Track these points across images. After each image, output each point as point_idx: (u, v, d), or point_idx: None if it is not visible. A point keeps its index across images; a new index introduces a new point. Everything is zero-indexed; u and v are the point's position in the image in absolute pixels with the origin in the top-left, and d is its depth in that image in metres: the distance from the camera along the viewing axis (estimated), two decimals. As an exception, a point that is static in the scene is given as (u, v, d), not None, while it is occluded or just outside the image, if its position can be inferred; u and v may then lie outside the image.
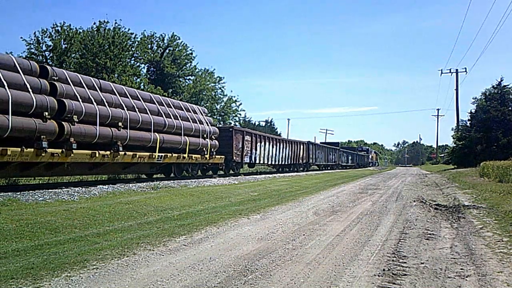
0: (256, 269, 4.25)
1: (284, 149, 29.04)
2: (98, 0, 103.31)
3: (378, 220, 7.65)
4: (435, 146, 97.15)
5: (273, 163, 27.65)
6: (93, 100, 11.85)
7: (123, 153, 12.61)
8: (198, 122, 17.45)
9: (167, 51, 45.20)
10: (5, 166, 9.86)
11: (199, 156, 17.28)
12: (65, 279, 3.88)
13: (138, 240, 5.62)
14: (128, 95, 13.79)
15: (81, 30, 35.15)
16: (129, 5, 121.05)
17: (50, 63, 33.84)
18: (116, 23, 35.89)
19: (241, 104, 56.80)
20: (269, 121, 72.00)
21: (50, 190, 9.83)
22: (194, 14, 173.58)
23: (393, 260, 4.61)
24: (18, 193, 9.00)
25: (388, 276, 4.01)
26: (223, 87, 50.49)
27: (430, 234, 6.24)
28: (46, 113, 10.09)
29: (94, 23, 35.59)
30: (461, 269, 4.27)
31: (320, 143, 47.28)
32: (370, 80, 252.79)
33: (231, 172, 21.79)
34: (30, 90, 9.85)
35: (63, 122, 10.67)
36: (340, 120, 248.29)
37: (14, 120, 9.25)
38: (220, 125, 21.61)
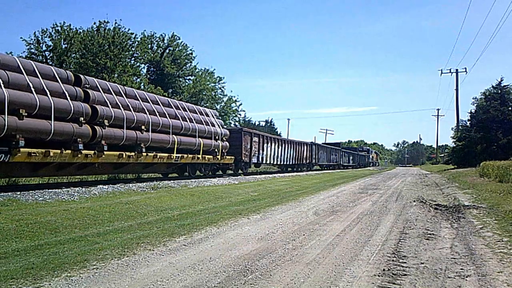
0: (256, 269, 4.25)
1: (289, 150, 30.01)
2: (98, 0, 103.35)
3: (378, 220, 7.65)
4: (435, 146, 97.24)
5: (278, 163, 28.62)
6: (120, 106, 12.89)
7: (145, 154, 13.70)
8: (210, 125, 18.44)
9: (167, 51, 45.21)
10: (45, 166, 10.93)
11: (212, 156, 18.23)
12: (65, 279, 3.88)
13: (138, 240, 5.62)
14: (149, 100, 14.82)
15: (81, 30, 35.17)
16: (129, 5, 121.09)
17: (50, 63, 33.85)
18: (116, 23, 35.94)
19: (241, 104, 56.92)
20: (269, 121, 72.10)
21: (50, 190, 9.83)
22: (194, 14, 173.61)
23: (393, 260, 4.61)
24: (18, 193, 9.00)
25: (388, 276, 4.01)
26: (223, 87, 50.55)
27: (430, 234, 6.24)
28: (82, 118, 11.22)
29: (94, 23, 35.65)
30: (461, 269, 4.27)
31: (322, 143, 48.43)
32: (370, 80, 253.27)
33: (240, 171, 22.58)
34: (68, 97, 10.96)
35: (95, 126, 11.72)
36: (340, 120, 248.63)
37: (55, 125, 10.29)
38: (230, 127, 22.65)
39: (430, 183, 20.11)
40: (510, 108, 34.95)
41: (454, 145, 41.17)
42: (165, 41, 45.25)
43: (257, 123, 67.48)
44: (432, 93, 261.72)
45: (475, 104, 38.93)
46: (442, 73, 47.44)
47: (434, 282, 3.84)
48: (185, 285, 3.76)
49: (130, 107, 13.38)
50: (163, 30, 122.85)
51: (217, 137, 18.73)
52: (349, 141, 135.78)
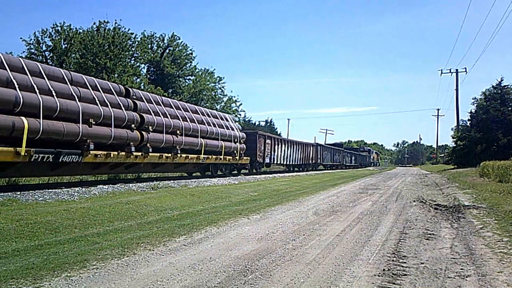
0: (256, 269, 4.25)
1: (297, 151, 32.03)
2: (98, 0, 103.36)
3: (378, 220, 7.65)
4: (435, 146, 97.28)
5: (287, 163, 30.65)
6: (160, 114, 14.93)
7: (179, 155, 15.74)
8: (230, 129, 20.52)
9: (167, 51, 45.22)
10: (103, 166, 12.86)
11: (231, 157, 20.25)
12: (65, 279, 3.88)
13: (138, 240, 5.62)
14: (181, 108, 16.95)
15: (81, 30, 35.18)
16: (129, 5, 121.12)
17: (50, 63, 33.85)
18: (116, 23, 35.93)
19: (241, 104, 56.97)
20: (269, 121, 72.11)
21: (50, 190, 9.84)
22: (194, 14, 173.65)
23: (393, 260, 4.61)
24: (18, 193, 9.00)
25: (388, 276, 4.01)
26: (223, 87, 50.56)
27: (430, 234, 6.24)
28: (133, 125, 13.23)
29: (94, 23, 35.61)
30: (461, 269, 4.27)
31: (326, 144, 50.46)
32: (370, 80, 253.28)
33: (254, 171, 24.67)
34: (122, 108, 12.99)
35: (142, 132, 13.68)
36: (340, 120, 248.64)
37: (115, 131, 12.26)
38: (246, 131, 24.73)
39: (430, 183, 20.11)
40: (510, 108, 34.97)
41: (454, 145, 41.18)
42: (165, 41, 45.29)
43: (257, 123, 67.50)
44: (432, 93, 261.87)
45: (475, 104, 38.96)
46: (442, 73, 47.48)
47: (434, 282, 3.84)
48: (185, 285, 3.76)
49: (167, 115, 15.39)
50: (163, 30, 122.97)
51: (236, 140, 20.68)
52: (349, 141, 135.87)
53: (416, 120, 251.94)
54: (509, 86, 36.11)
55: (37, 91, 9.90)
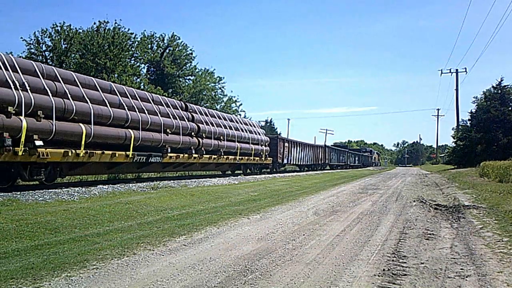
0: (256, 269, 4.25)
1: (308, 152, 35.81)
2: (98, 0, 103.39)
3: (378, 220, 7.65)
4: (435, 146, 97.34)
5: (301, 163, 34.18)
6: (209, 123, 18.80)
7: (222, 156, 19.41)
8: (257, 134, 24.56)
9: (167, 51, 45.22)
10: (170, 165, 16.55)
11: (259, 158, 24.23)
12: (65, 279, 3.88)
13: (138, 240, 5.62)
14: (221, 118, 20.94)
15: (81, 30, 35.16)
16: (129, 5, 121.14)
17: (50, 63, 33.85)
18: (116, 23, 35.93)
19: (241, 104, 56.93)
20: (269, 121, 72.17)
21: (50, 190, 9.83)
22: (194, 14, 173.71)
23: (393, 260, 4.61)
24: (18, 193, 9.00)
25: (388, 276, 4.01)
26: (223, 87, 50.56)
27: (430, 234, 6.24)
28: (193, 133, 17.18)
29: (94, 23, 35.65)
30: (461, 269, 4.27)
31: (333, 146, 53.98)
32: (370, 80, 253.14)
33: (274, 170, 28.51)
34: (185, 119, 17.00)
35: (199, 138, 17.44)
36: (340, 120, 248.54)
37: (182, 138, 16.17)
38: (269, 135, 28.59)
39: (430, 183, 20.11)
40: (510, 108, 34.95)
41: (454, 145, 41.19)
42: (165, 41, 45.29)
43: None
44: (432, 93, 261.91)
45: (476, 104, 38.92)
46: (442, 73, 47.54)
47: (434, 282, 3.84)
48: (185, 285, 3.76)
49: (214, 124, 19.22)
50: (163, 30, 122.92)
51: (262, 143, 24.74)
52: (349, 141, 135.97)
53: (416, 120, 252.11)
54: (509, 86, 36.10)
55: (136, 110, 13.80)
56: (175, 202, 9.70)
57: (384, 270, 4.21)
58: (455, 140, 40.74)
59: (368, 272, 4.14)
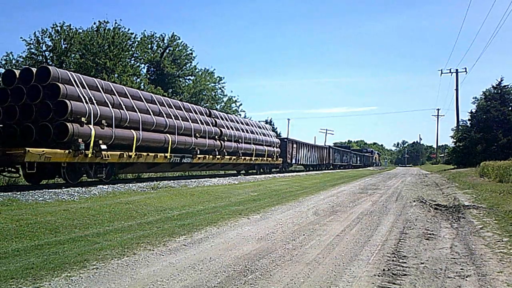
0: (256, 269, 4.25)
1: (314, 153, 38.27)
2: (98, 0, 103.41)
3: (378, 220, 7.65)
4: (435, 146, 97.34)
5: (307, 163, 36.53)
6: (230, 127, 20.98)
7: (241, 157, 21.57)
8: (269, 136, 26.84)
9: (167, 51, 45.17)
10: (196, 165, 18.40)
11: (271, 159, 26.39)
12: (65, 279, 3.88)
13: (138, 240, 5.62)
14: (239, 122, 23.31)
15: (81, 30, 35.13)
16: (129, 5, 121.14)
17: (50, 63, 33.85)
18: (116, 23, 35.88)
19: (241, 104, 56.86)
20: (269, 121, 72.10)
21: (50, 190, 9.83)
22: (194, 14, 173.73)
23: (393, 260, 4.61)
24: (18, 193, 9.01)
25: (388, 276, 4.01)
26: (223, 87, 50.50)
27: (430, 234, 6.24)
28: (216, 137, 19.23)
29: (94, 23, 35.61)
30: (461, 269, 4.27)
31: (337, 147, 56.72)
32: (370, 80, 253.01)
33: (284, 169, 30.82)
34: (210, 124, 19.04)
35: (221, 141, 19.45)
36: (340, 120, 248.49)
37: (208, 141, 18.22)
38: (279, 137, 31.26)
39: (430, 183, 20.11)
40: (510, 108, 34.94)
41: (454, 145, 41.18)
42: (165, 41, 45.23)
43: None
44: (432, 93, 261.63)
45: (476, 104, 38.92)
46: (442, 73, 47.49)
47: (434, 282, 3.84)
48: (185, 285, 3.76)
49: (233, 128, 21.42)
50: (163, 30, 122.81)
51: (274, 145, 26.89)
52: (349, 141, 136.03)
53: (416, 120, 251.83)
54: (509, 86, 36.10)
55: (172, 117, 15.93)
56: (175, 202, 9.70)
57: (384, 270, 4.21)
58: (455, 140, 40.73)
59: (368, 272, 4.14)
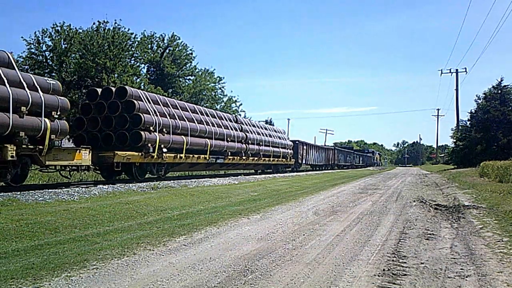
0: (256, 269, 4.25)
1: (321, 154, 41.37)
2: (98, 0, 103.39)
3: (378, 220, 7.65)
4: (435, 146, 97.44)
5: (315, 163, 39.28)
6: (253, 132, 24.28)
7: (261, 158, 24.86)
8: (283, 139, 30.21)
9: (167, 51, 45.14)
10: (225, 165, 21.38)
11: (285, 159, 29.65)
12: (65, 279, 3.88)
13: (138, 240, 5.62)
14: (259, 127, 26.62)
15: (81, 30, 35.10)
16: (129, 5, 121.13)
17: (50, 63, 33.83)
18: (115, 23, 35.85)
19: (241, 104, 56.80)
20: (269, 121, 72.10)
21: (50, 190, 9.84)
22: (194, 14, 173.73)
23: (393, 260, 4.61)
24: (18, 193, 9.00)
25: (388, 276, 4.01)
26: (223, 87, 50.49)
27: (430, 234, 6.24)
28: (243, 140, 22.32)
29: (94, 23, 35.54)
30: (461, 269, 4.27)
31: (341, 148, 60.08)
32: (370, 80, 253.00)
33: (295, 169, 33.97)
34: (237, 130, 22.03)
35: (247, 144, 22.74)
36: (340, 120, 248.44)
37: (236, 144, 21.34)
38: (292, 139, 33.25)
39: (430, 183, 20.11)
40: (510, 108, 34.92)
41: (454, 145, 41.17)
42: (165, 41, 45.20)
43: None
44: (432, 93, 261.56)
45: (476, 103, 38.87)
46: (442, 73, 47.52)
47: (434, 282, 3.84)
48: (185, 285, 3.76)
49: (255, 132, 24.71)
50: (163, 30, 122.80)
51: (287, 147, 30.04)
52: (349, 141, 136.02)
53: (416, 120, 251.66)
54: (509, 86, 36.08)
55: (210, 125, 18.78)
56: (175, 202, 9.70)
57: (384, 270, 4.21)
58: (455, 140, 40.72)
59: (368, 272, 4.14)
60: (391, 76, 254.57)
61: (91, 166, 12.58)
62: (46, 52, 34.50)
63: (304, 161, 34.62)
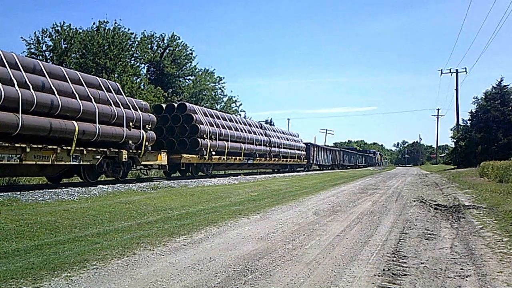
0: (256, 269, 4.25)
1: (329, 155, 44.80)
2: (98, 0, 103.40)
3: (378, 220, 7.65)
4: (435, 146, 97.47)
5: (324, 164, 42.27)
6: (274, 136, 27.69)
7: (281, 159, 28.55)
8: (298, 142, 33.45)
9: (167, 51, 45.14)
10: (252, 165, 24.73)
11: (300, 160, 33.16)
12: (65, 279, 3.88)
13: (138, 240, 5.62)
14: (279, 131, 30.46)
15: (81, 30, 35.12)
16: (129, 5, 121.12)
17: (50, 63, 33.81)
18: (116, 23, 35.89)
19: (241, 104, 56.76)
20: (269, 121, 72.10)
21: (50, 190, 9.83)
22: (194, 14, 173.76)
23: (393, 260, 4.61)
24: (18, 193, 9.00)
25: (388, 276, 4.01)
26: (223, 87, 50.47)
27: (430, 234, 6.24)
28: (267, 144, 25.73)
29: (94, 23, 35.56)
30: (461, 269, 4.27)
31: (345, 149, 62.58)
32: (370, 80, 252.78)
33: (306, 169, 36.91)
34: (263, 135, 25.57)
35: (269, 147, 25.98)
36: (340, 120, 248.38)
37: (262, 148, 24.85)
38: (304, 142, 36.28)
39: (430, 183, 20.11)
40: (510, 108, 34.91)
41: (454, 145, 41.17)
42: (165, 41, 45.20)
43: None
44: (432, 93, 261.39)
45: (476, 104, 38.88)
46: (442, 73, 47.44)
47: (434, 282, 3.84)
48: (185, 285, 3.76)
49: (276, 136, 28.33)
50: (163, 30, 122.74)
51: (301, 149, 33.49)
52: (349, 141, 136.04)
53: (416, 120, 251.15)
54: (509, 86, 36.09)
55: (243, 131, 22.62)
56: (175, 202, 9.70)
57: (384, 270, 4.21)
58: (455, 140, 40.72)
59: (368, 272, 4.14)
60: (391, 76, 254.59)
61: (166, 166, 15.92)
62: (46, 52, 34.52)
63: (314, 161, 37.98)
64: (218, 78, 49.62)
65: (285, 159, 29.31)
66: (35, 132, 9.87)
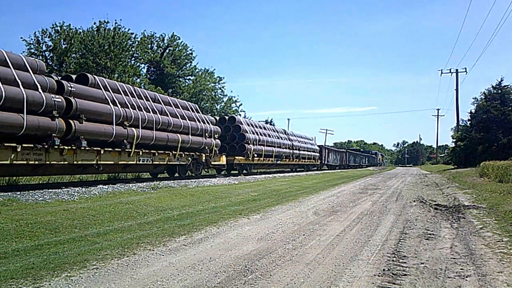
0: (256, 269, 4.25)
1: (337, 156, 48.76)
2: (98, 0, 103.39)
3: (378, 220, 7.65)
4: (435, 146, 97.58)
5: (333, 164, 45.88)
6: (295, 140, 32.69)
7: (301, 160, 33.15)
8: (312, 145, 38.72)
9: (167, 51, 45.18)
10: (280, 165, 30.24)
11: (314, 161, 37.77)
12: (65, 279, 3.88)
13: (138, 240, 5.62)
14: (297, 136, 34.64)
15: (81, 30, 35.11)
16: (129, 5, 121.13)
17: (50, 63, 33.82)
18: (116, 23, 35.85)
19: (241, 104, 56.76)
20: (269, 121, 72.11)
21: (50, 190, 9.84)
22: (194, 14, 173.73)
23: (393, 260, 4.61)
24: (18, 193, 9.00)
25: (388, 276, 4.01)
26: (223, 87, 50.49)
27: (430, 234, 6.24)
28: (290, 147, 30.75)
29: (94, 23, 35.54)
30: (461, 269, 4.27)
31: (350, 150, 66.49)
32: (370, 80, 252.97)
33: (319, 168, 41.23)
34: (287, 140, 30.63)
35: (292, 150, 31.36)
36: (340, 120, 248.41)
37: (287, 150, 30.14)
38: (318, 145, 41.75)
39: (430, 183, 20.11)
40: (510, 108, 34.91)
41: (454, 145, 41.17)
42: (165, 41, 45.25)
43: (256, 123, 67.76)
44: (432, 93, 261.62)
45: (475, 104, 38.87)
46: (442, 73, 47.50)
47: (434, 282, 3.84)
48: (185, 285, 3.76)
49: (297, 141, 32.79)
50: (163, 30, 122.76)
51: (315, 151, 38.38)
52: (349, 141, 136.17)
53: (416, 120, 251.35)
54: (509, 86, 36.08)
55: (274, 137, 27.96)
56: (175, 202, 9.70)
57: (384, 270, 4.21)
58: (455, 140, 40.72)
59: (368, 272, 4.14)
60: (391, 76, 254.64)
61: (225, 165, 20.55)
62: (46, 52, 34.51)
63: (326, 162, 42.31)
64: (218, 78, 49.68)
65: (303, 160, 34.17)
66: (161, 142, 14.85)
